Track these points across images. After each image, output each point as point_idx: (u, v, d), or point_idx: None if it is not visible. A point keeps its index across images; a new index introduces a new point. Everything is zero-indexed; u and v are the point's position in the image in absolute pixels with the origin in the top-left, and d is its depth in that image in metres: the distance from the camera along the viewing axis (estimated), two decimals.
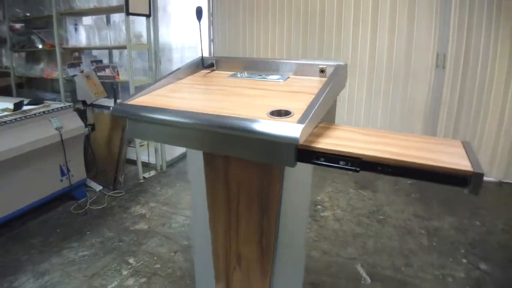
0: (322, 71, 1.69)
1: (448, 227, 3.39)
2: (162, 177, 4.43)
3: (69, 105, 3.69)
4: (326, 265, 2.81)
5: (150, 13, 4.08)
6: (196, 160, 1.97)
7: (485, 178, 3.69)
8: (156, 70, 4.31)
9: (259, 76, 1.74)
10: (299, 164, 1.23)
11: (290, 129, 1.13)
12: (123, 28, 3.99)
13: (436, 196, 3.97)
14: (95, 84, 3.97)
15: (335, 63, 1.66)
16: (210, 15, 5.18)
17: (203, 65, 1.90)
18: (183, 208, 3.67)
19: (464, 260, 2.92)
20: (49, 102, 3.74)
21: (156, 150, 4.53)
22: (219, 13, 5.08)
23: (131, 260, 2.89)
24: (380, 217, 3.53)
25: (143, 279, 2.67)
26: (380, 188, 4.13)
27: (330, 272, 2.73)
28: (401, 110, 4.56)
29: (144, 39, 4.19)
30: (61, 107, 3.58)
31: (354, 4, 4.44)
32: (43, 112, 3.41)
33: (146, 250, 3.02)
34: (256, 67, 1.84)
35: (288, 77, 1.72)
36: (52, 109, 3.49)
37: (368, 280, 2.65)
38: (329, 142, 1.24)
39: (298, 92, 1.52)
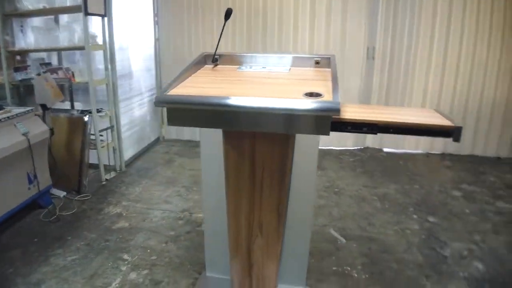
0: (317, 62, 2.06)
1: (394, 192, 3.98)
2: (123, 177, 4.52)
3: (31, 110, 3.58)
4: None
5: (106, 13, 4.08)
6: (208, 144, 2.26)
7: (414, 151, 4.46)
8: (113, 71, 4.34)
9: (264, 68, 2.07)
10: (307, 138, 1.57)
11: (332, 105, 1.48)
12: (77, 29, 3.98)
13: (377, 169, 4.58)
14: (53, 87, 3.84)
15: (328, 56, 2.05)
16: (155, 15, 5.31)
17: (212, 60, 2.15)
18: (157, 203, 3.82)
19: (415, 216, 3.50)
20: (9, 107, 3.57)
21: (114, 151, 4.60)
22: (163, 13, 5.23)
23: (125, 256, 2.94)
24: (336, 189, 4.02)
25: (145, 271, 2.76)
26: (328, 167, 4.65)
27: (312, 239, 3.13)
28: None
29: (99, 39, 4.18)
30: (24, 112, 3.46)
31: (293, 2, 4.89)
32: (7, 117, 3.27)
33: (136, 245, 3.09)
34: (257, 61, 2.15)
35: (290, 69, 2.07)
36: (16, 114, 3.36)
37: (343, 240, 3.11)
38: (350, 114, 1.61)
39: (309, 79, 1.88)
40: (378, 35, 4.87)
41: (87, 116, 4.13)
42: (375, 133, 1.59)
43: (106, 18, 4.13)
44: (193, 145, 5.50)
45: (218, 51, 2.18)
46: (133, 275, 2.72)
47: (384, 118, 1.63)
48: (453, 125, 1.60)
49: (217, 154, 2.12)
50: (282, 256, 2.26)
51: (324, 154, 5.01)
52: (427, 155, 5.14)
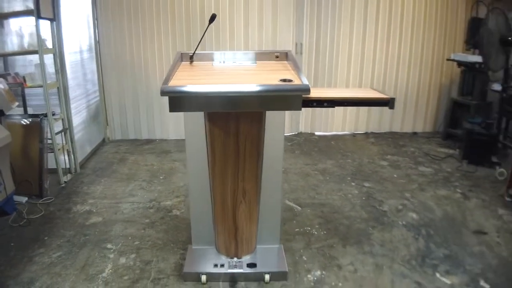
0: (277, 56, 2.55)
1: (332, 167, 4.61)
2: (81, 178, 4.61)
3: None
4: None
5: (55, 17, 4.12)
6: (192, 133, 2.61)
7: (341, 132, 5.17)
8: (63, 74, 4.41)
9: (235, 63, 2.51)
10: (274, 117, 2.06)
11: (303, 87, 1.96)
12: (24, 33, 4.01)
13: (313, 150, 5.22)
14: (8, 92, 3.85)
15: (286, 51, 2.55)
16: (95, 18, 5.42)
17: (190, 58, 2.54)
18: (123, 197, 3.99)
19: (353, 183, 4.14)
20: None
21: (69, 153, 4.70)
22: (103, 17, 5.36)
23: (109, 246, 3.05)
24: (282, 169, 4.53)
25: (133, 255, 2.91)
26: None
27: None
28: None
29: (49, 43, 4.22)
30: None
31: (228, 4, 5.33)
32: None
33: (116, 235, 3.20)
34: (225, 57, 2.57)
35: (256, 63, 2.53)
36: None
37: (299, 208, 3.64)
38: (314, 94, 2.12)
39: (275, 70, 2.36)
40: (304, 32, 5.51)
41: (43, 120, 4.24)
42: (333, 107, 2.12)
43: (55, 22, 4.18)
44: (140, 144, 5.71)
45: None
46: (122, 260, 2.86)
47: (340, 95, 2.17)
48: (388, 97, 2.18)
49: (200, 142, 2.50)
50: (259, 220, 2.69)
51: None
52: (354, 135, 5.91)
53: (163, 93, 1.90)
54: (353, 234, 3.21)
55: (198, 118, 2.43)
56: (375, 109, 5.88)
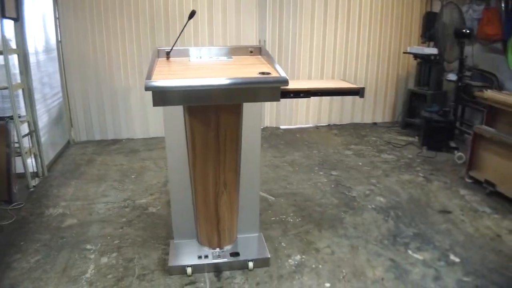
0: (251, 51, 2.66)
1: (299, 158, 4.78)
2: (50, 181, 4.50)
3: None
4: None
5: (18, 17, 4.02)
6: (172, 127, 2.67)
7: (305, 125, 5.37)
8: (28, 75, 4.31)
9: (211, 58, 2.60)
10: (252, 109, 2.17)
11: (282, 79, 2.08)
12: None
13: (279, 143, 5.38)
14: None
15: (259, 45, 2.66)
16: (57, 18, 5.30)
17: (167, 54, 2.60)
18: (96, 198, 3.94)
19: (321, 173, 4.32)
20: None
21: (35, 157, 4.61)
22: (65, 16, 5.26)
23: (88, 246, 3.00)
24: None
25: (114, 254, 2.89)
26: None
27: None
28: None
29: (12, 43, 4.11)
30: None
31: (192, 2, 5.38)
32: None
33: (94, 235, 3.16)
34: (201, 52, 2.65)
35: (232, 57, 2.63)
36: None
37: (272, 198, 3.77)
38: (291, 86, 2.24)
39: (251, 64, 2.47)
40: (267, 29, 5.65)
41: (10, 123, 4.14)
42: (309, 97, 2.25)
43: (18, 22, 4.08)
44: (106, 144, 5.64)
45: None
46: (104, 259, 2.83)
47: (314, 86, 2.30)
48: (359, 86, 2.34)
49: (179, 136, 2.56)
50: (239, 209, 2.76)
51: None
52: (317, 127, 6.13)
53: (147, 88, 1.93)
54: (326, 219, 3.37)
55: (177, 111, 2.48)
56: (336, 102, 6.11)
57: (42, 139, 4.83)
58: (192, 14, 2.41)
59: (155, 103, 1.99)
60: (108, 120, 5.71)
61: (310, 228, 3.22)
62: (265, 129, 6.01)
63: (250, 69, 2.34)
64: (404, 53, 5.89)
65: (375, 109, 6.30)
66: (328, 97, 6.05)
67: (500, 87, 4.88)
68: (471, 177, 4.07)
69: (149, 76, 2.05)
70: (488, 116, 3.97)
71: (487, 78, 5.07)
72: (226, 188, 2.55)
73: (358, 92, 2.33)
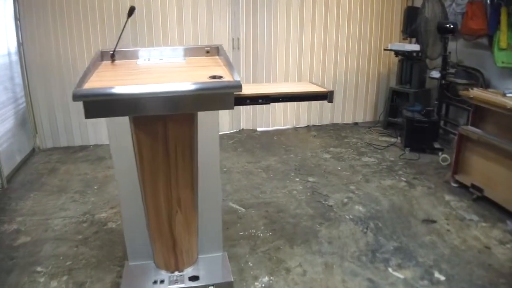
0: (207, 51, 2.37)
1: (275, 163, 4.49)
2: (9, 193, 4.20)
3: None
4: None
5: None
6: (117, 137, 2.40)
7: (283, 127, 5.08)
8: None
9: (162, 60, 2.30)
10: (207, 116, 1.87)
11: (234, 84, 1.79)
12: None
13: (255, 146, 5.09)
14: None
15: (217, 45, 2.36)
16: (17, 19, 5.00)
17: (111, 56, 2.30)
18: (54, 212, 3.68)
19: (297, 179, 4.04)
20: None
21: None
22: (26, 17, 4.94)
23: (39, 268, 2.79)
24: (224, 169, 4.37)
25: (65, 277, 2.68)
26: None
27: None
28: None
29: None
30: None
31: (161, 0, 5.06)
32: None
33: (46, 256, 2.95)
34: (151, 54, 2.35)
35: (185, 59, 2.33)
36: None
37: (243, 209, 3.49)
38: (248, 91, 1.96)
39: (205, 66, 2.17)
40: (241, 27, 5.35)
41: None
42: (268, 103, 1.96)
43: None
44: (73, 151, 5.34)
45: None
46: (53, 284, 2.63)
47: (275, 90, 2.01)
48: (327, 90, 2.05)
49: (127, 146, 2.27)
50: (199, 228, 2.51)
51: None
52: (295, 129, 5.84)
53: (75, 97, 1.65)
54: (300, 233, 3.09)
55: (123, 120, 2.19)
56: (315, 102, 5.83)
57: (4, 147, 4.57)
58: (131, 11, 2.11)
59: (88, 115, 1.70)
60: (74, 126, 5.39)
61: (281, 244, 2.95)
62: (240, 131, 5.72)
63: (201, 72, 2.05)
64: (384, 50, 5.63)
65: (356, 108, 6.04)
66: None
67: (486, 85, 4.66)
68: (456, 181, 3.83)
69: (80, 83, 1.76)
70: (474, 116, 3.73)
71: (472, 75, 4.83)
72: (181, 206, 2.28)
73: (325, 96, 2.05)
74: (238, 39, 5.36)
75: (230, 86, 1.78)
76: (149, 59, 2.33)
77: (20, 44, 5.10)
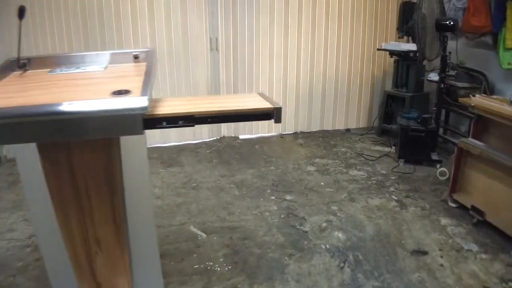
0: (136, 57, 1.93)
1: (251, 177, 4.04)
2: None
3: None
4: (164, 237, 3.06)
5: None
6: (27, 161, 2.00)
7: (268, 134, 4.59)
8: None
9: (78, 69, 1.87)
10: (133, 141, 1.47)
11: (138, 102, 1.35)
12: None
13: (233, 157, 4.62)
14: None
15: (146, 49, 1.93)
16: None
17: (18, 66, 1.88)
18: (1, 233, 3.35)
19: (273, 197, 3.58)
20: None
21: None
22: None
23: None
24: (193, 184, 3.93)
25: None
26: (185, 162, 4.54)
27: (169, 240, 3.01)
28: (187, 89, 5.04)
29: None
30: None
31: (130, 0, 4.64)
32: None
33: None
34: (71, 61, 1.94)
35: (107, 66, 1.90)
36: None
37: (204, 235, 3.04)
38: (165, 109, 1.52)
39: (123, 76, 1.74)
40: (220, 25, 4.87)
41: None
42: (192, 125, 1.52)
43: None
44: None
45: (27, 55, 1.92)
46: None
47: (201, 108, 1.56)
48: (272, 106, 1.60)
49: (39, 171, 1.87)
50: (133, 268, 2.09)
51: (181, 150, 4.87)
52: (281, 136, 5.33)
53: None
54: (264, 267, 2.64)
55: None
56: (303, 106, 5.37)
57: None
58: (21, 12, 1.68)
59: None
60: None
61: (240, 281, 2.50)
62: (220, 139, 5.25)
63: (112, 84, 1.61)
64: (378, 50, 5.14)
65: (348, 114, 5.55)
66: (293, 100, 5.31)
67: (490, 89, 4.18)
68: (455, 201, 3.37)
69: None
70: (476, 127, 3.26)
71: (474, 78, 4.36)
72: (101, 246, 1.86)
73: (270, 114, 1.59)
74: (217, 39, 4.90)
75: (129, 107, 1.34)
76: (63, 69, 1.89)
77: None
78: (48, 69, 1.91)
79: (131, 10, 4.67)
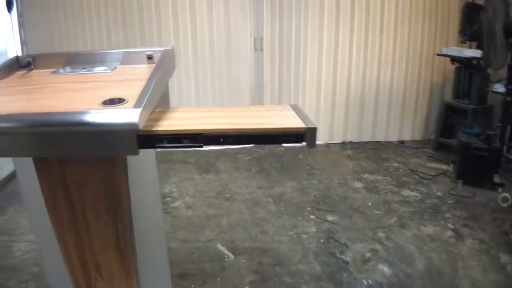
0: (150, 57, 1.66)
1: (291, 191, 3.69)
2: None
3: None
4: (188, 253, 2.81)
5: None
6: (27, 173, 1.78)
7: None
8: None
9: (84, 70, 1.63)
10: (142, 153, 1.19)
11: (127, 115, 1.08)
12: None
13: (274, 166, 4.29)
14: None
15: (162, 49, 1.65)
16: (20, 15, 4.60)
17: (19, 65, 1.67)
18: (22, 234, 3.23)
19: (312, 216, 3.22)
20: None
21: None
22: (29, 12, 4.54)
23: None
24: (227, 195, 3.65)
25: None
26: (222, 169, 4.27)
27: (193, 259, 2.74)
28: (228, 92, 4.80)
29: None
30: None
31: None
32: None
33: None
34: (79, 60, 1.70)
35: (116, 67, 1.64)
36: None
37: (231, 256, 2.74)
38: (169, 123, 1.23)
39: (129, 80, 1.47)
40: (265, 24, 4.56)
41: None
42: (201, 146, 1.21)
43: None
44: None
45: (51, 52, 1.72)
46: None
47: (214, 124, 1.26)
48: (304, 126, 1.27)
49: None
50: None
51: (219, 155, 4.61)
52: (327, 146, 4.93)
53: None
54: None
55: None
56: (353, 114, 4.95)
57: None
58: (8, 3, 1.46)
59: None
60: None
61: None
62: (263, 146, 4.93)
63: (108, 91, 1.35)
64: (438, 55, 4.63)
65: (403, 124, 5.04)
66: (342, 106, 4.91)
67: None
68: None
69: None
70: None
71: None
72: (101, 273, 1.65)
73: (300, 137, 1.27)
74: (261, 39, 4.59)
75: (116, 122, 1.06)
76: (67, 70, 1.66)
77: (23, 42, 4.72)
78: (52, 69, 1.68)
79: (172, 5, 4.48)
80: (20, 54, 1.64)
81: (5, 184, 4.24)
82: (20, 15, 4.64)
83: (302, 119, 1.34)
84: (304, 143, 1.28)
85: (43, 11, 4.54)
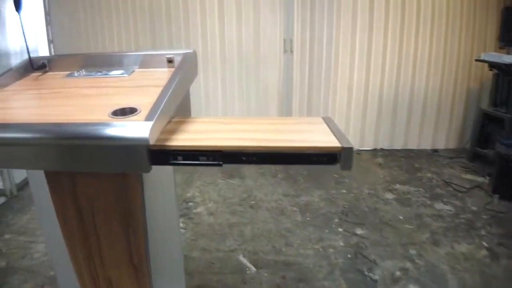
0: (170, 61, 1.55)
1: (318, 200, 3.54)
2: (14, 202, 3.81)
3: None
4: (208, 263, 2.70)
5: None
6: (40, 182, 1.71)
7: None
8: None
9: (100, 73, 1.54)
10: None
11: (136, 129, 0.97)
12: None
13: (301, 173, 4.13)
14: None
15: (183, 51, 1.54)
16: (47, 14, 4.61)
17: (32, 67, 1.59)
18: (42, 235, 3.19)
19: (340, 229, 3.06)
20: None
21: (1, 173, 3.93)
22: (57, 11, 4.56)
23: None
24: (252, 202, 3.54)
25: None
26: (247, 174, 4.15)
27: (213, 269, 2.63)
28: (256, 95, 4.68)
29: None
30: None
31: None
32: None
33: None
34: (96, 63, 1.61)
35: (134, 71, 1.54)
36: None
37: (253, 268, 2.61)
38: (185, 138, 1.12)
39: (145, 86, 1.36)
40: (295, 26, 4.43)
41: None
42: (220, 165, 1.09)
43: None
44: None
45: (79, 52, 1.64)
46: None
47: (236, 140, 1.13)
48: (339, 145, 1.13)
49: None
50: None
51: None
52: (358, 152, 4.75)
53: None
54: None
55: None
56: (385, 120, 4.76)
57: None
58: (16, 2, 1.37)
59: None
60: None
61: None
62: None
63: (122, 98, 1.24)
64: (476, 60, 4.39)
65: (437, 132, 4.82)
66: (374, 112, 4.73)
67: None
68: None
69: None
70: None
71: None
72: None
73: (334, 157, 1.13)
74: (291, 40, 4.45)
75: (122, 138, 0.95)
76: (82, 73, 1.56)
77: (50, 42, 4.73)
78: (67, 72, 1.60)
79: (200, 6, 4.39)
80: (45, 54, 1.57)
81: (28, 184, 4.24)
82: (47, 14, 4.65)
83: (336, 136, 1.19)
84: (337, 164, 1.13)
85: (71, 11, 4.54)
